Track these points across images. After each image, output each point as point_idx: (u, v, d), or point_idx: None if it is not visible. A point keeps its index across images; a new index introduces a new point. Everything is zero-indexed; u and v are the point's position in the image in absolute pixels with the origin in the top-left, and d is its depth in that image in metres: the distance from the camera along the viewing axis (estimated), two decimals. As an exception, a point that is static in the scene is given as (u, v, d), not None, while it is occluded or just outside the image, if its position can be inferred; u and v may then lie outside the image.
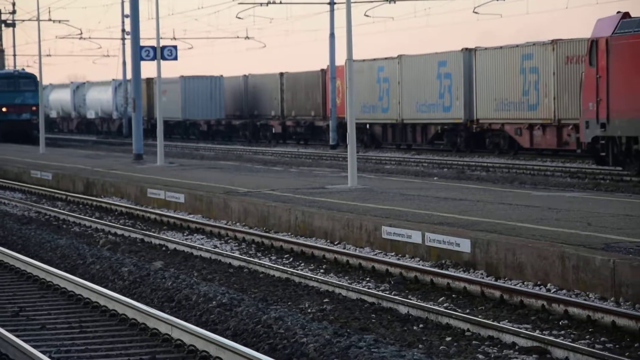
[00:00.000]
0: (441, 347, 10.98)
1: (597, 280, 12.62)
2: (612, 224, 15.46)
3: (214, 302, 12.46)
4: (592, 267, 12.70)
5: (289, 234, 19.37)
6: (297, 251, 17.45)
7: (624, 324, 11.24)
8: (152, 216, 23.33)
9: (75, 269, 15.90)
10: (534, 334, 11.09)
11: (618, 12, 29.55)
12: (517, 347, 10.88)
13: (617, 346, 10.91)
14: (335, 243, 17.95)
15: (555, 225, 15.55)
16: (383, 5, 52.01)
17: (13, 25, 78.36)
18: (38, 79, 49.28)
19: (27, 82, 58.75)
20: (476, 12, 52.93)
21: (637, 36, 28.29)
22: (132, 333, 11.41)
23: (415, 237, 16.05)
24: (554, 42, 38.85)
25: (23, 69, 65.96)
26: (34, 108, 57.44)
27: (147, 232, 20.36)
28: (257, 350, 10.38)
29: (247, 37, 68.35)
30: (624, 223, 15.51)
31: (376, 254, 16.43)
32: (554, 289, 13.10)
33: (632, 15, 29.29)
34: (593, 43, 29.88)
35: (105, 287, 13.78)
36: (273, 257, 17.25)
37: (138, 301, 12.58)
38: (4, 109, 59.75)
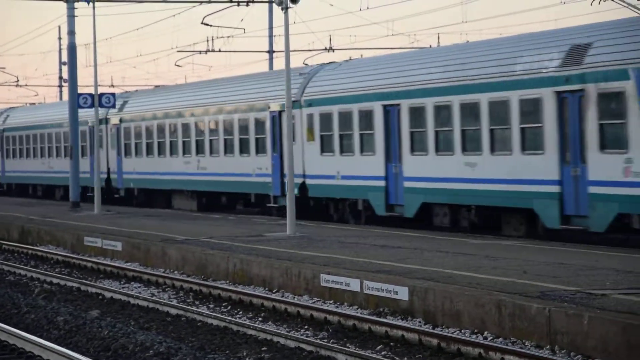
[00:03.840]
0: (379, 396, 10.96)
1: (533, 328, 12.72)
2: (547, 272, 15.61)
3: (150, 351, 12.35)
4: (528, 315, 12.80)
5: (227, 282, 19.30)
6: (235, 299, 17.38)
7: (560, 372, 11.27)
8: (89, 264, 23.11)
9: (9, 319, 15.67)
10: (471, 381, 11.11)
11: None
12: (454, 395, 10.89)
13: (553, 393, 10.97)
14: (274, 291, 17.92)
15: (491, 273, 15.66)
16: (322, 54, 52.44)
17: (-52, 71, 77.72)
18: None
19: None
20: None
21: None
22: (68, 383, 11.27)
23: (354, 285, 16.07)
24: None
25: None
26: None
27: (83, 281, 20.16)
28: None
29: (187, 85, 68.27)
30: (559, 271, 15.67)
31: (315, 302, 16.42)
32: (491, 337, 13.18)
33: None
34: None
35: (40, 336, 13.60)
36: (211, 305, 17.16)
37: (74, 351, 12.43)
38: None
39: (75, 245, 26.16)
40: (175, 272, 21.18)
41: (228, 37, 48.65)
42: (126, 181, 38.82)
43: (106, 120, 40.07)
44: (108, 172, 40.06)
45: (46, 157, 44.55)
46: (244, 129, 31.56)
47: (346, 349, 12.78)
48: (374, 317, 14.59)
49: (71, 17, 36.06)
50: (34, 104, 57.48)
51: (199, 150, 33.94)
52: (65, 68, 55.70)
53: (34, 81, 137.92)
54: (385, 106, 25.45)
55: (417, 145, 24.47)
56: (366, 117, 26.14)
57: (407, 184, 24.91)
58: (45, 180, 45.67)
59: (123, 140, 38.87)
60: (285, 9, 23.48)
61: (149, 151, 37.10)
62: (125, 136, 38.78)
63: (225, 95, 33.19)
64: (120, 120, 39.16)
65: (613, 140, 19.41)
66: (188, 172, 34.61)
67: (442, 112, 23.56)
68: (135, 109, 38.52)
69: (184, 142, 34.85)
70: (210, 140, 33.14)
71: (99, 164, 34.81)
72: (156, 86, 41.93)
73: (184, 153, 34.96)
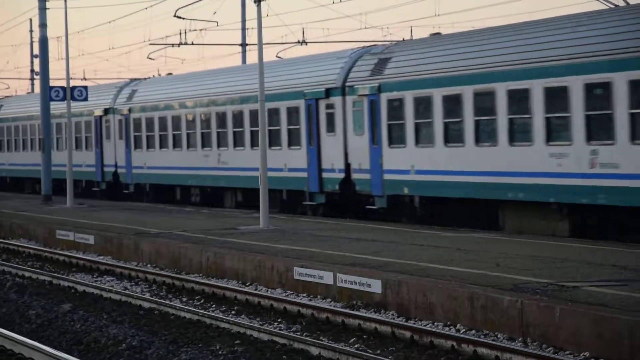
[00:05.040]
0: (352, 388, 10.97)
1: (505, 320, 12.77)
2: (519, 264, 15.68)
3: (123, 345, 12.32)
4: (501, 308, 12.86)
5: (201, 275, 19.27)
6: (208, 292, 17.36)
7: (532, 364, 11.32)
8: (61, 258, 23.02)
9: (-19, 312, 15.60)
10: (444, 374, 11.14)
11: None
12: (427, 388, 10.91)
13: (525, 385, 11.01)
14: (247, 284, 17.91)
15: (464, 266, 15.71)
16: (295, 47, 52.45)
17: None
18: None
19: None
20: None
21: None
22: (40, 377, 11.23)
23: (327, 278, 16.09)
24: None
25: None
26: None
27: (55, 274, 20.08)
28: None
29: (160, 78, 68.05)
30: (531, 264, 15.74)
31: (288, 295, 16.42)
32: (464, 329, 13.23)
33: None
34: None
35: (11, 330, 13.53)
36: (184, 299, 17.14)
37: (45, 344, 12.38)
38: None
39: (48, 238, 26.05)
40: (149, 265, 21.12)
41: (201, 30, 48.59)
42: (393, 184, 24.24)
43: (343, 90, 25.98)
44: (347, 169, 26.18)
45: (214, 148, 31.41)
46: None
47: (319, 342, 12.79)
48: (347, 310, 14.61)
49: (43, 9, 35.87)
50: (170, 74, 40.60)
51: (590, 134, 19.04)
52: (37, 61, 55.40)
53: (5, 74, 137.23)
54: None
55: None
56: None
57: None
58: (208, 180, 31.88)
59: (386, 120, 24.27)
60: (258, 2, 23.43)
61: (454, 137, 22.21)
62: (390, 114, 24.13)
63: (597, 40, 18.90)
64: (379, 89, 24.28)
65: None
66: (560, 172, 19.79)
67: None
68: (412, 68, 23.71)
69: (547, 119, 19.86)
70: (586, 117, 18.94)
71: (67, 153, 34.43)
72: (433, 34, 26.11)
73: (548, 140, 20.01)
